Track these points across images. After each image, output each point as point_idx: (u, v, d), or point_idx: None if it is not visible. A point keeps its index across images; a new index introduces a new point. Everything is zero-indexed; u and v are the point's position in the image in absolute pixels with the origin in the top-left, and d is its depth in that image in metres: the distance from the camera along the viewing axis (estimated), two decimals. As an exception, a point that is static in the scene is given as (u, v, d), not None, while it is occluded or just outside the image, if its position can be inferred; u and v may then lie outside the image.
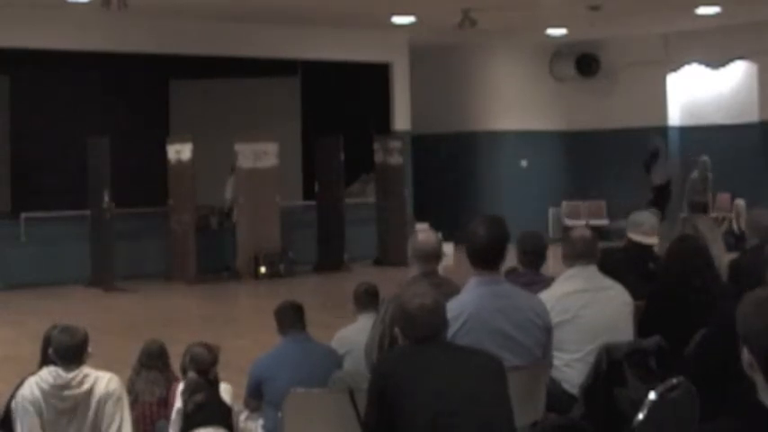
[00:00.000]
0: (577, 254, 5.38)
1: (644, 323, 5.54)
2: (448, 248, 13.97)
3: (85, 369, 4.88)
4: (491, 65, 20.33)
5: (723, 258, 6.87)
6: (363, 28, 17.30)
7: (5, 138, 17.51)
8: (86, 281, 15.02)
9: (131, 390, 5.77)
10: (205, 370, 5.48)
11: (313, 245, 16.87)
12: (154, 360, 5.90)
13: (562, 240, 5.58)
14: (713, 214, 17.54)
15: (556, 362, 4.89)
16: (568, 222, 19.16)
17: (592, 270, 5.38)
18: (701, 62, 19.17)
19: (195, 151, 15.46)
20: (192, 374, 5.44)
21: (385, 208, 17.52)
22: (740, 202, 17.70)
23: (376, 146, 17.74)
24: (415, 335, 3.76)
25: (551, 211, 20.38)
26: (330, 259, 16.63)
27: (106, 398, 4.84)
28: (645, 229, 6.86)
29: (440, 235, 5.24)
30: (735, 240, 14.74)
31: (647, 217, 7.06)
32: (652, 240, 6.81)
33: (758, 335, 2.36)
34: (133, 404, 5.67)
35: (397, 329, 3.84)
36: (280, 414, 4.71)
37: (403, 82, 18.59)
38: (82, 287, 14.80)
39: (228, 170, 16.32)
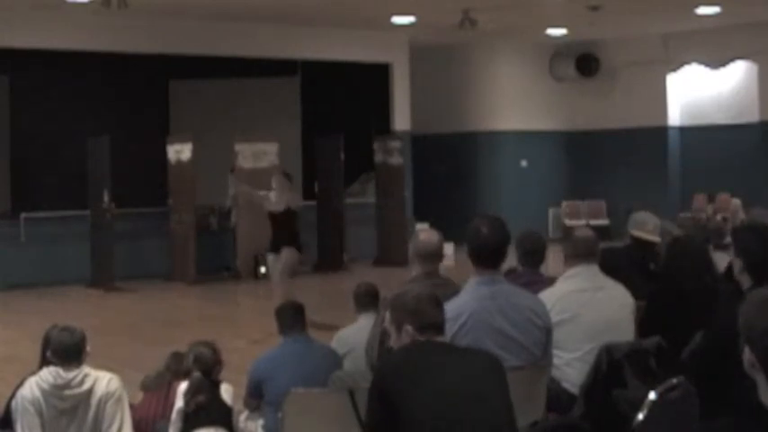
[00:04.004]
0: (579, 254, 5.39)
1: (644, 323, 5.54)
2: (448, 248, 13.93)
3: (86, 369, 4.88)
4: (491, 65, 20.33)
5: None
6: (363, 28, 17.30)
7: (5, 138, 17.50)
8: (86, 281, 15.02)
9: (147, 385, 5.83)
10: (209, 370, 5.49)
11: (313, 245, 16.86)
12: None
13: (563, 241, 5.59)
14: (717, 216, 17.58)
15: (556, 361, 4.90)
16: (568, 222, 19.17)
17: (593, 270, 5.39)
18: (700, 62, 19.18)
19: (195, 151, 15.46)
20: (196, 374, 5.45)
21: (385, 208, 17.52)
22: (736, 201, 17.76)
23: (376, 146, 17.75)
24: (427, 324, 3.74)
25: (551, 211, 20.39)
26: (330, 259, 16.64)
27: (106, 398, 4.84)
28: (649, 228, 6.93)
29: (441, 235, 5.23)
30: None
31: (649, 216, 7.14)
32: (655, 238, 6.88)
33: (761, 335, 2.36)
34: (145, 394, 5.72)
35: (399, 330, 3.81)
36: (280, 414, 4.70)
37: (403, 82, 18.60)
38: (82, 287, 14.80)
39: (228, 170, 16.31)
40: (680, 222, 14.03)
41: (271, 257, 11.02)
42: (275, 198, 10.95)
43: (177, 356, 6.07)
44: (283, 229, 10.86)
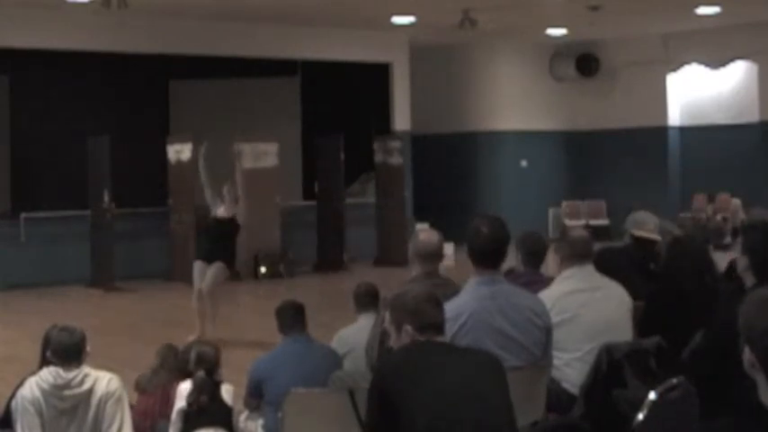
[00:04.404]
0: (575, 254, 5.39)
1: (644, 323, 5.54)
2: (448, 248, 13.94)
3: (86, 369, 4.87)
4: (491, 65, 20.33)
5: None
6: (363, 28, 17.30)
7: (5, 138, 17.50)
8: (86, 281, 15.02)
9: (144, 385, 5.83)
10: (212, 369, 5.49)
11: (313, 245, 16.87)
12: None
13: (558, 242, 5.58)
14: (717, 217, 17.61)
15: (556, 361, 4.90)
16: (568, 222, 19.18)
17: (589, 270, 5.39)
18: (700, 62, 19.19)
19: (195, 151, 15.44)
20: (200, 374, 5.45)
21: (385, 208, 17.52)
22: (736, 201, 17.79)
23: (376, 146, 17.75)
24: (426, 323, 3.73)
25: (551, 211, 20.40)
26: (330, 259, 16.63)
27: (106, 398, 4.84)
28: (650, 227, 6.93)
29: (441, 235, 5.23)
30: (733, 236, 15.03)
31: (649, 216, 7.14)
32: (656, 236, 6.89)
33: (761, 335, 2.36)
34: (141, 394, 5.72)
35: (399, 330, 3.81)
36: (280, 414, 4.70)
37: (403, 82, 18.60)
38: (82, 287, 14.80)
39: (230, 170, 16.28)
40: (680, 222, 14.05)
41: (197, 265, 10.38)
42: (224, 208, 10.47)
43: (171, 348, 6.09)
44: (221, 238, 10.39)
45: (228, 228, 10.46)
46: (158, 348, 6.20)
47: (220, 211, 10.52)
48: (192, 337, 9.60)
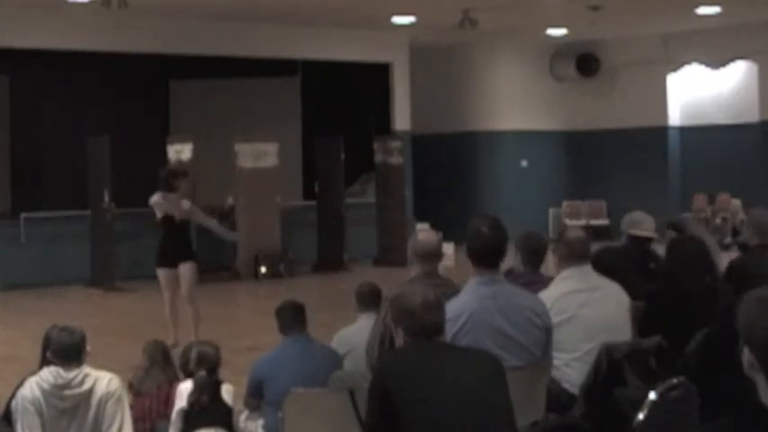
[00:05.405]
0: (572, 255, 5.39)
1: (644, 323, 5.54)
2: (448, 248, 13.95)
3: (86, 369, 4.88)
4: (491, 65, 20.33)
5: (717, 256, 6.89)
6: (363, 28, 17.31)
7: (5, 138, 17.49)
8: (86, 281, 15.02)
9: (138, 386, 5.83)
10: (213, 369, 5.50)
11: (313, 245, 16.86)
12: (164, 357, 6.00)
13: (555, 242, 5.59)
14: (717, 219, 17.67)
15: (555, 361, 4.90)
16: (569, 222, 19.19)
17: (586, 270, 5.39)
18: (701, 62, 19.19)
19: (195, 151, 15.46)
20: (201, 374, 5.45)
21: (385, 208, 17.52)
22: (736, 202, 17.83)
23: (376, 146, 17.74)
24: (418, 329, 3.73)
25: (551, 211, 20.40)
26: (330, 259, 16.63)
27: (107, 398, 4.84)
28: (646, 227, 6.96)
29: (440, 235, 5.24)
30: (733, 236, 15.32)
31: (644, 215, 7.17)
32: (652, 234, 6.91)
33: (760, 335, 2.36)
34: (136, 396, 5.72)
35: (397, 329, 3.81)
36: (280, 414, 4.71)
37: (403, 82, 18.60)
38: (82, 287, 14.80)
39: (230, 170, 16.29)
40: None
41: (162, 273, 9.76)
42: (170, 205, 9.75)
43: (158, 344, 6.09)
44: (178, 237, 9.78)
45: (182, 224, 9.85)
46: (145, 346, 6.20)
47: (167, 208, 9.75)
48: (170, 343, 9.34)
